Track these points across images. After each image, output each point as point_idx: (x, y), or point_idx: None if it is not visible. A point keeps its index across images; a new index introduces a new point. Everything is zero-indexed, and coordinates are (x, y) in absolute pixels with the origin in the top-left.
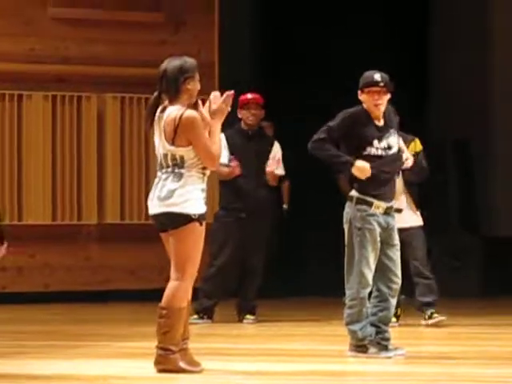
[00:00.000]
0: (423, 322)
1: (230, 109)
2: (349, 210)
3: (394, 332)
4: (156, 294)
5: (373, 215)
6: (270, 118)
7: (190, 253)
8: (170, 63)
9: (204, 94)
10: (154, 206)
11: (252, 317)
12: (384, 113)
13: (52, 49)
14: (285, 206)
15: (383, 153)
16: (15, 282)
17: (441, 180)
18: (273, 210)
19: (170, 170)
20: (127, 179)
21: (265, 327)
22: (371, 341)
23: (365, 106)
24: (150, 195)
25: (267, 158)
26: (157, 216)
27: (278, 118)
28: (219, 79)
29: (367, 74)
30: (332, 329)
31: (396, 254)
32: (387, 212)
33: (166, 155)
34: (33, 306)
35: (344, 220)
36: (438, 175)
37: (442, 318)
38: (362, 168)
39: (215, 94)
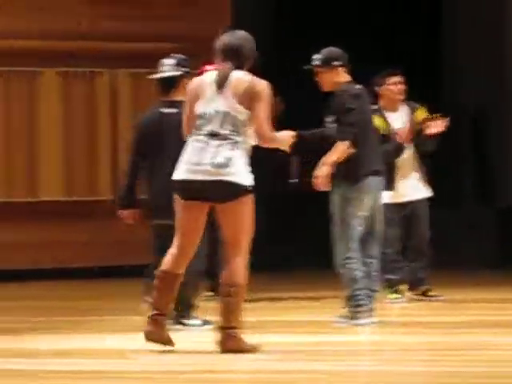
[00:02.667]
0: (415, 297)
1: None
2: None
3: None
4: None
5: None
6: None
7: (247, 225)
8: (244, 37)
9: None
10: (203, 172)
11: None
12: (334, 92)
13: (65, 25)
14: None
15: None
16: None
17: (455, 152)
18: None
19: (226, 133)
20: None
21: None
22: None
23: None
24: (193, 159)
25: None
26: (205, 183)
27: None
28: None
29: None
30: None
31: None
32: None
33: (227, 114)
34: (45, 283)
35: None
36: (452, 147)
37: (439, 295)
38: None
39: None
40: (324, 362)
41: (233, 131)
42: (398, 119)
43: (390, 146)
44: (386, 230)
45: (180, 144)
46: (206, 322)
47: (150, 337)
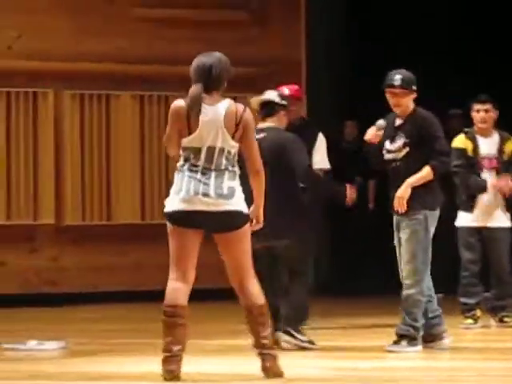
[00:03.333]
0: (493, 323)
1: None
2: None
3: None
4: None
5: None
6: (356, 118)
7: (250, 249)
8: (217, 57)
9: None
10: (209, 204)
11: None
12: (410, 114)
13: (138, 48)
14: (370, 206)
15: (390, 156)
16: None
17: None
18: None
19: (222, 167)
20: None
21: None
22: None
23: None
24: (200, 189)
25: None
26: (212, 214)
27: (364, 115)
28: (306, 78)
29: (390, 72)
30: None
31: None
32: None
33: (222, 150)
34: (123, 305)
35: None
36: None
37: None
38: None
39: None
40: None
41: (228, 163)
42: (488, 145)
43: (473, 182)
44: (463, 253)
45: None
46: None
47: (170, 376)
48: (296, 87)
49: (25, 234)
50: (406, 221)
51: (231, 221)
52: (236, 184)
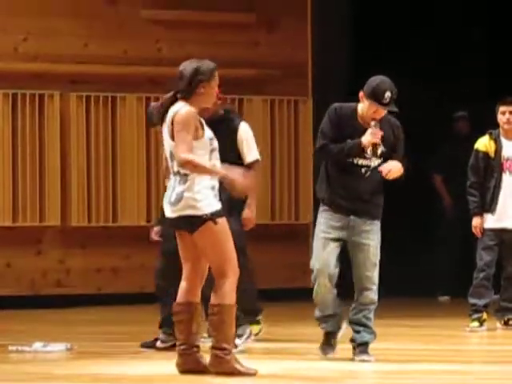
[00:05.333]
0: (499, 326)
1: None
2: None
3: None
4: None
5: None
6: None
7: (218, 251)
8: (188, 64)
9: (297, 95)
10: (167, 211)
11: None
12: (380, 120)
13: (145, 51)
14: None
15: (362, 165)
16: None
17: None
18: None
19: (175, 170)
20: None
21: None
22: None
23: (360, 107)
24: (165, 198)
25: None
26: (171, 220)
27: None
28: (312, 80)
29: (379, 85)
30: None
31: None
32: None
33: (171, 154)
34: (127, 308)
35: None
36: None
37: None
38: (372, 133)
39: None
40: None
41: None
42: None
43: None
44: (482, 255)
45: None
46: None
47: (178, 369)
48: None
49: (31, 236)
50: (375, 226)
51: (184, 225)
52: (186, 187)
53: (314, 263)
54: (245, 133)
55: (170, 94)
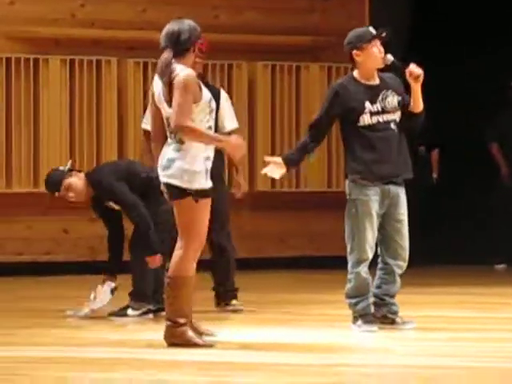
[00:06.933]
0: None
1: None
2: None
3: None
4: (305, 262)
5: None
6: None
7: (189, 225)
8: (181, 24)
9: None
10: (159, 174)
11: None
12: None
13: (202, 17)
14: (434, 175)
15: (376, 120)
16: None
17: None
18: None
19: (173, 135)
20: (278, 147)
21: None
22: (373, 314)
23: (358, 69)
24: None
25: None
26: (162, 184)
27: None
28: None
29: (360, 30)
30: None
31: (403, 227)
32: (387, 182)
33: (167, 119)
34: None
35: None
36: None
37: None
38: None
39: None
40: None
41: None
42: None
43: None
44: None
45: None
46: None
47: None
48: (205, 41)
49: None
50: (403, 193)
51: (167, 192)
52: (179, 155)
53: (367, 249)
54: (225, 100)
55: (168, 53)
